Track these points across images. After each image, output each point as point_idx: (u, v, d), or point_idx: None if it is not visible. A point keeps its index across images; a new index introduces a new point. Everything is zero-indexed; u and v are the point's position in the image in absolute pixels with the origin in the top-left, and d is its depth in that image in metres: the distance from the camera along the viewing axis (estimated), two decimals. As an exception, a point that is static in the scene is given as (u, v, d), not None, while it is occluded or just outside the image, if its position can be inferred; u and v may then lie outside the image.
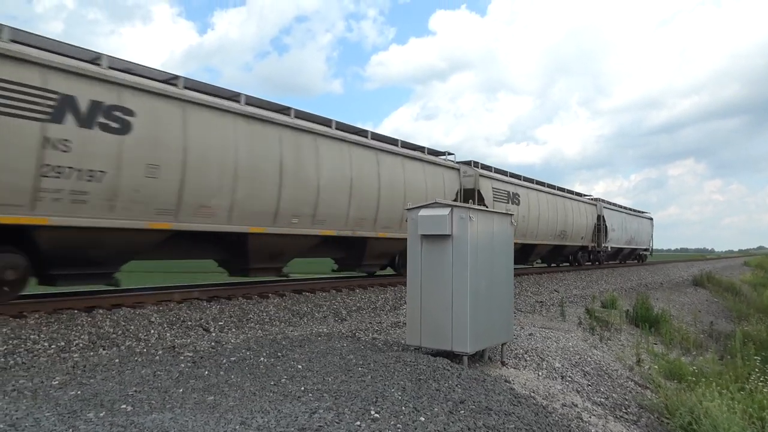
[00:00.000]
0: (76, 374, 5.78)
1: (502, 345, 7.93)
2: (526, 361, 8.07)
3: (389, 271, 16.50)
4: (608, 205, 32.97)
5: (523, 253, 22.66)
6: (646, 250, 42.94)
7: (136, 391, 5.14)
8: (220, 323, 8.91)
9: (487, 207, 17.33)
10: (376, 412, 4.50)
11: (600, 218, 30.96)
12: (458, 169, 18.03)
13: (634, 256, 41.68)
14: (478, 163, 20.11)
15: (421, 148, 16.78)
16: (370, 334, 8.95)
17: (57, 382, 5.46)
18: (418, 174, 15.73)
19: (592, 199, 31.61)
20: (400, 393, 5.11)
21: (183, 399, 4.92)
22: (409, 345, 7.33)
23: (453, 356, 6.88)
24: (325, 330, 9.09)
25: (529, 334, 9.74)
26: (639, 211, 41.62)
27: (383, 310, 11.74)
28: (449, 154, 18.22)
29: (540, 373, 7.67)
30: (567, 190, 28.03)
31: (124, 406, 4.69)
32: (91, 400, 4.82)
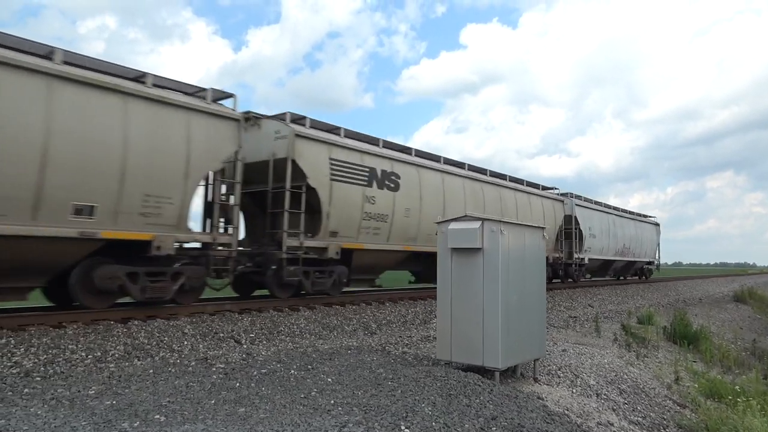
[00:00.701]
0: (111, 384, 5.89)
1: (535, 361, 7.78)
2: (559, 377, 7.90)
3: (423, 284, 16.50)
4: (584, 203, 25.35)
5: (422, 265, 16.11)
6: (650, 263, 34.18)
7: (169, 401, 5.22)
8: (251, 335, 8.99)
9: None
10: (406, 427, 4.46)
11: (571, 219, 23.56)
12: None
13: (633, 271, 32.85)
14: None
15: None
16: (400, 348, 8.90)
17: (93, 391, 5.58)
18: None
19: (559, 193, 23.86)
20: (430, 408, 5.06)
21: (215, 410, 4.97)
22: (439, 359, 7.26)
23: (484, 371, 6.79)
24: (354, 343, 9.08)
25: (563, 350, 9.55)
26: (639, 215, 32.81)
27: (413, 324, 11.68)
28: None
29: (574, 390, 7.50)
30: (515, 179, 20.60)
31: (157, 416, 4.76)
32: (125, 410, 4.91)
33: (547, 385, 7.46)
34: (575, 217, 23.75)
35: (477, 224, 6.87)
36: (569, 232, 23.52)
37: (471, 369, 6.81)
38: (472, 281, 6.90)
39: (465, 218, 7.14)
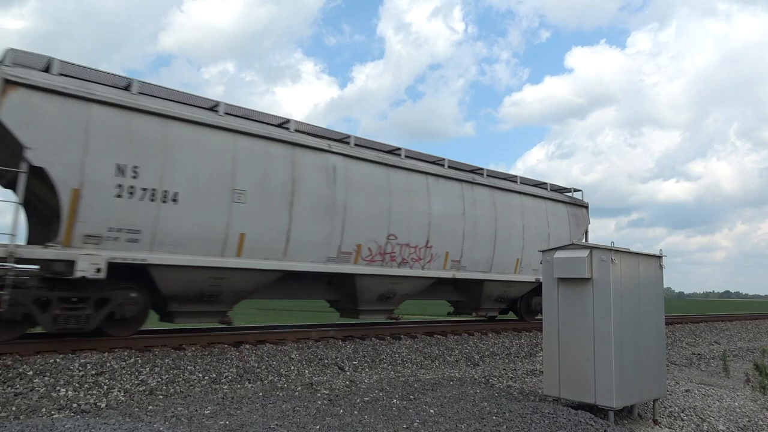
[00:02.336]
0: (225, 405, 6.20)
1: (654, 401, 7.20)
2: (683, 420, 7.24)
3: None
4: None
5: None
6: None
7: (277, 424, 5.38)
8: (354, 362, 9.11)
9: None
10: (512, 466, 4.27)
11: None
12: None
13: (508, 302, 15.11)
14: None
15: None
16: (505, 381, 8.60)
17: (209, 411, 5.89)
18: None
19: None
20: (538, 446, 4.82)
21: (319, 436, 5.05)
22: (546, 395, 6.92)
23: (597, 410, 6.37)
24: (457, 374, 8.90)
25: (686, 390, 8.75)
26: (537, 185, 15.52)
27: (518, 357, 11.27)
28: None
29: (700, 436, 6.82)
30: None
31: (266, 439, 4.92)
32: (237, 430, 5.13)
33: (669, 428, 6.86)
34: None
35: (585, 253, 6.56)
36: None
37: (582, 407, 6.42)
38: (582, 313, 6.56)
39: (572, 246, 6.84)
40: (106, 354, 7.48)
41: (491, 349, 11.36)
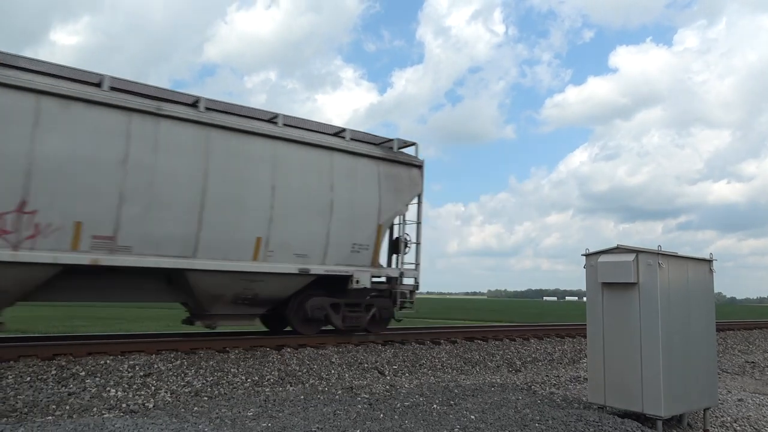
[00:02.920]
0: (267, 407, 6.29)
1: (705, 410, 6.94)
2: (735, 431, 6.95)
3: (566, 319, 15.50)
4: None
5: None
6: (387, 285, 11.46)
7: (318, 427, 5.43)
8: (394, 367, 9.10)
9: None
10: (556, 474, 4.19)
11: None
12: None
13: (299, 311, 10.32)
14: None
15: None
16: (547, 388, 8.44)
17: (252, 413, 5.99)
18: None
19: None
20: (583, 455, 4.71)
21: (360, 440, 5.07)
22: (591, 403, 6.76)
23: (644, 419, 6.19)
24: (498, 380, 8.79)
25: (739, 400, 8.40)
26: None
27: (561, 363, 11.04)
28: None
29: (756, 448, 6.54)
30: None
31: (307, 441, 4.97)
32: (279, 433, 5.19)
33: (722, 439, 6.60)
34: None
35: (631, 257, 6.39)
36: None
37: (628, 415, 6.25)
38: (628, 319, 6.38)
39: (617, 250, 6.68)
40: (153, 356, 7.71)
41: (533, 355, 11.17)
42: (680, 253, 6.80)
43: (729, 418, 7.33)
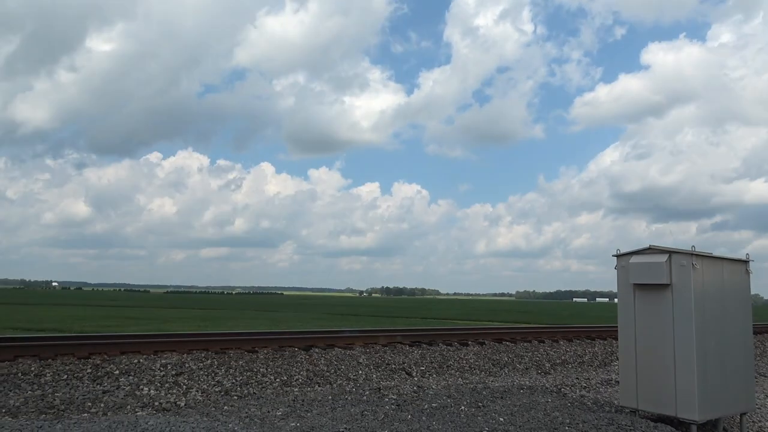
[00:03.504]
0: (295, 407, 6.34)
1: (742, 415, 6.75)
2: (775, 437, 6.74)
3: (596, 321, 15.23)
4: None
5: None
6: None
7: (346, 428, 5.45)
8: (421, 368, 9.08)
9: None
10: (587, 478, 4.12)
11: None
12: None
13: None
14: None
15: None
16: (578, 391, 8.32)
17: (280, 412, 6.05)
18: None
19: None
20: (614, 459, 4.62)
21: (388, 441, 5.07)
22: (623, 406, 6.64)
23: (678, 424, 6.05)
24: (527, 382, 8.70)
25: (778, 405, 8.14)
26: None
27: (591, 365, 10.87)
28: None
29: (796, 455, 6.33)
30: None
31: (336, 442, 4.99)
32: (308, 433, 5.23)
33: (760, 445, 6.40)
34: None
35: (664, 257, 6.26)
36: None
37: (661, 419, 6.12)
38: (661, 320, 6.25)
39: (649, 250, 6.54)
40: (185, 355, 7.85)
41: (563, 357, 11.02)
42: (715, 253, 6.63)
43: (767, 423, 7.11)
